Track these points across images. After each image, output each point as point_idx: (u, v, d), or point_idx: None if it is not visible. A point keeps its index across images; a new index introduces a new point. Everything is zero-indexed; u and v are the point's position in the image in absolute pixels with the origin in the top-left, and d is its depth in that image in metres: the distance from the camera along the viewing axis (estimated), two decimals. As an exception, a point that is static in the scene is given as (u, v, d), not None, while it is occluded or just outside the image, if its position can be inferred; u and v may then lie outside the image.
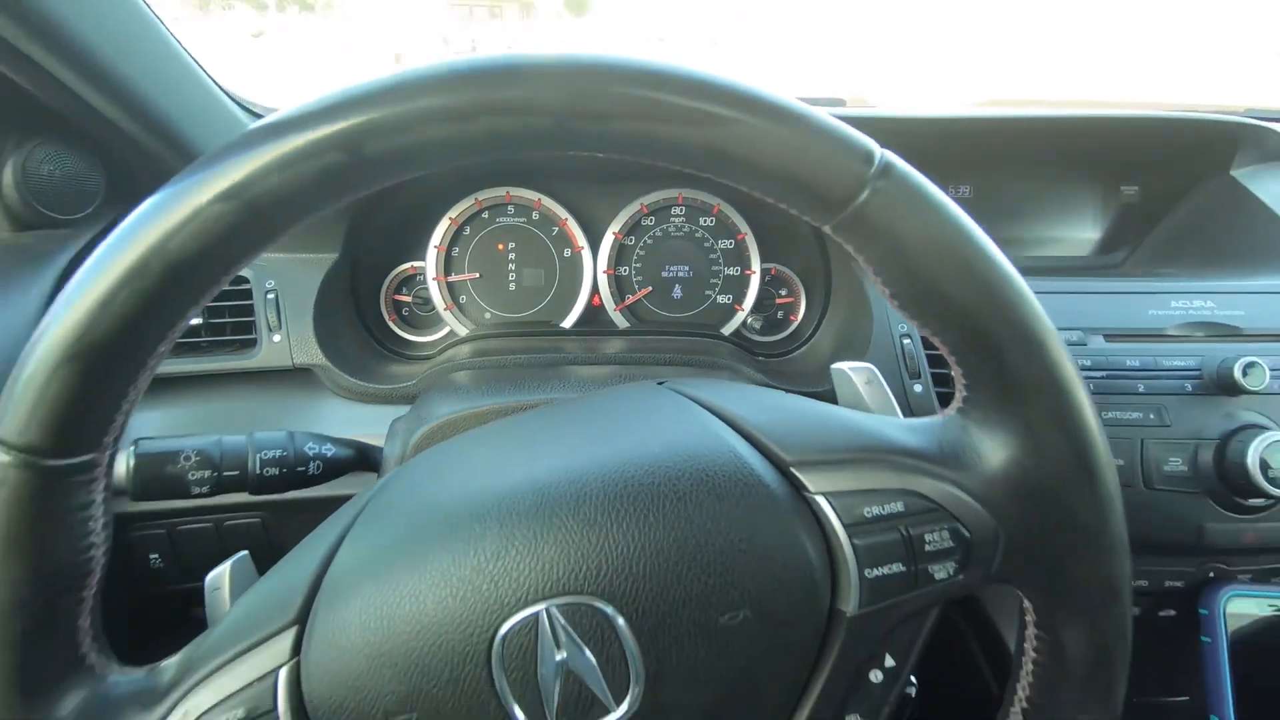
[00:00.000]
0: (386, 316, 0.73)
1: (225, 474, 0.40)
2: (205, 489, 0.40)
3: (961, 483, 0.29)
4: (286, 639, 0.27)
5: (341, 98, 0.25)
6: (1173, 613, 0.59)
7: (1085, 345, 0.59)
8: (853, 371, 0.36)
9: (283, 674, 0.27)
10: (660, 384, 0.37)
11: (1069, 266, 0.88)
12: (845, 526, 0.29)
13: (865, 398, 0.35)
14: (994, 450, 0.29)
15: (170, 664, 0.29)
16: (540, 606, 0.26)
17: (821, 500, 0.29)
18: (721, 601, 0.27)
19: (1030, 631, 0.31)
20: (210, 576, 0.34)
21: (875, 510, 0.29)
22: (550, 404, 0.39)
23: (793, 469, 0.30)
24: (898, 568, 0.28)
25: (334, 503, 0.35)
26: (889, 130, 0.82)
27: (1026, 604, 0.31)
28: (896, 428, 0.31)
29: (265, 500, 0.52)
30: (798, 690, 0.29)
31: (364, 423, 0.61)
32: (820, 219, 0.27)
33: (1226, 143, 0.79)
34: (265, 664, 0.27)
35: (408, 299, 0.74)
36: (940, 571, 0.29)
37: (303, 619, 0.28)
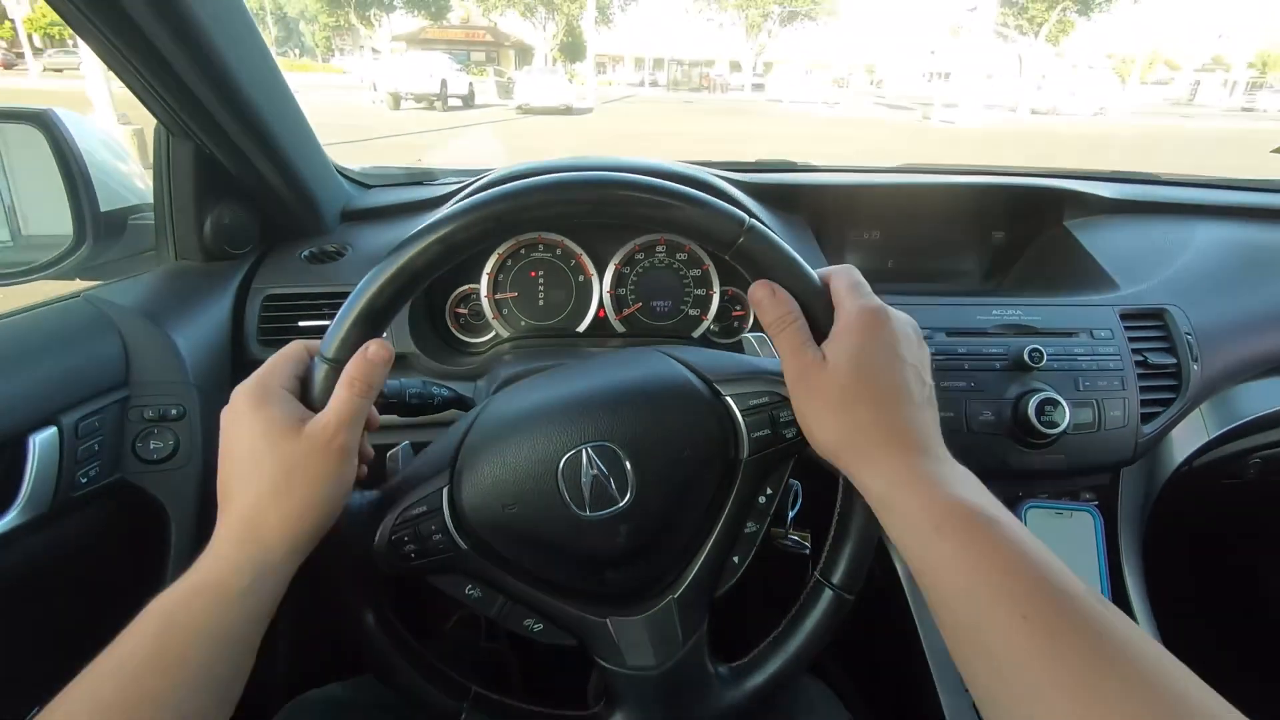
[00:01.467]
0: (450, 324, 1.01)
1: (389, 399, 0.66)
2: (378, 405, 0.65)
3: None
4: (446, 474, 0.51)
5: (492, 195, 0.51)
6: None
7: (932, 339, 0.85)
8: (754, 337, 0.63)
9: (445, 489, 0.51)
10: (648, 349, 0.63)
11: (962, 291, 1.16)
12: (740, 411, 0.52)
13: (758, 351, 0.62)
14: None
15: (385, 486, 0.53)
16: (581, 447, 0.50)
17: (729, 398, 0.53)
18: (676, 447, 0.51)
19: (842, 477, 0.55)
20: (390, 453, 0.60)
21: (755, 401, 0.52)
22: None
23: (715, 384, 0.53)
24: (767, 431, 0.52)
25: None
26: (815, 192, 1.10)
27: None
28: (770, 362, 0.56)
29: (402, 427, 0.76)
30: (718, 505, 0.53)
31: (442, 393, 0.87)
32: (723, 252, 0.52)
33: (1055, 202, 1.08)
34: (436, 484, 0.51)
35: (465, 311, 1.01)
36: (788, 432, 0.53)
37: (453, 464, 0.51)
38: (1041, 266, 1.08)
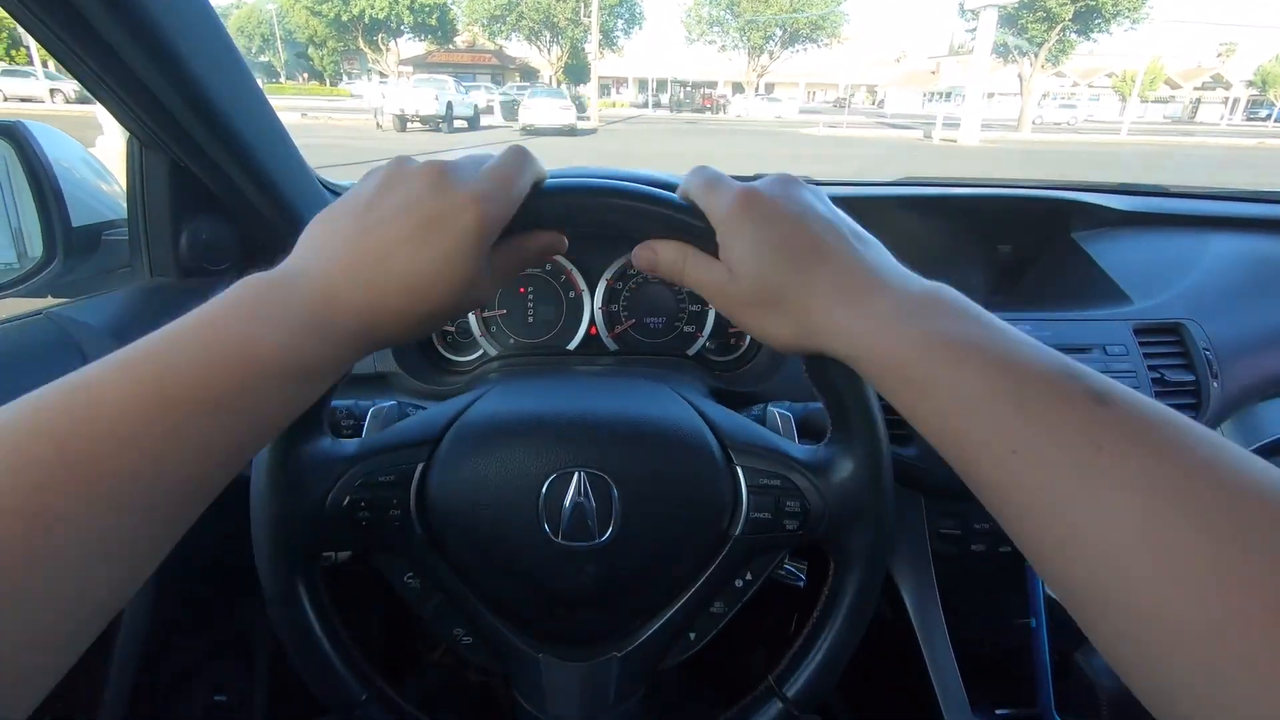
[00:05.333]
0: (435, 341, 0.97)
1: (360, 422, 0.62)
2: (348, 432, 0.62)
3: (815, 482, 0.48)
4: (426, 450, 0.47)
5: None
6: (1009, 549, 0.81)
7: (937, 356, 0.82)
8: (778, 411, 0.58)
9: (420, 465, 0.47)
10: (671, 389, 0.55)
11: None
12: (747, 485, 0.48)
13: (780, 428, 0.56)
14: (837, 470, 0.47)
15: (354, 442, 0.48)
16: (576, 469, 0.46)
17: (740, 469, 0.48)
18: (670, 500, 0.47)
19: (829, 581, 0.50)
20: (374, 408, 0.56)
21: (765, 481, 0.48)
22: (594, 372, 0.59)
23: (730, 449, 0.49)
24: (767, 515, 0.48)
25: None
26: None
27: (831, 563, 0.50)
28: (792, 446, 0.50)
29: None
30: (693, 575, 0.49)
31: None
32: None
33: (1062, 214, 1.04)
34: (411, 458, 0.47)
35: (451, 328, 0.97)
36: (790, 524, 0.48)
37: (438, 440, 0.48)
38: (1050, 280, 1.05)
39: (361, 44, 33.27)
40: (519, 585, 0.48)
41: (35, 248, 0.91)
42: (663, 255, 0.42)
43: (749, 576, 0.50)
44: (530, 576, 0.47)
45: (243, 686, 0.94)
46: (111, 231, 0.87)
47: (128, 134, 0.76)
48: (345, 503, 0.45)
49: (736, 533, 0.48)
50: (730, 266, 0.39)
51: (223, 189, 0.82)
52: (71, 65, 0.63)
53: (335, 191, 1.06)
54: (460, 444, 0.47)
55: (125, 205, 0.93)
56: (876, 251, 0.39)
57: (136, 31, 0.59)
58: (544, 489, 0.46)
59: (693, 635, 0.50)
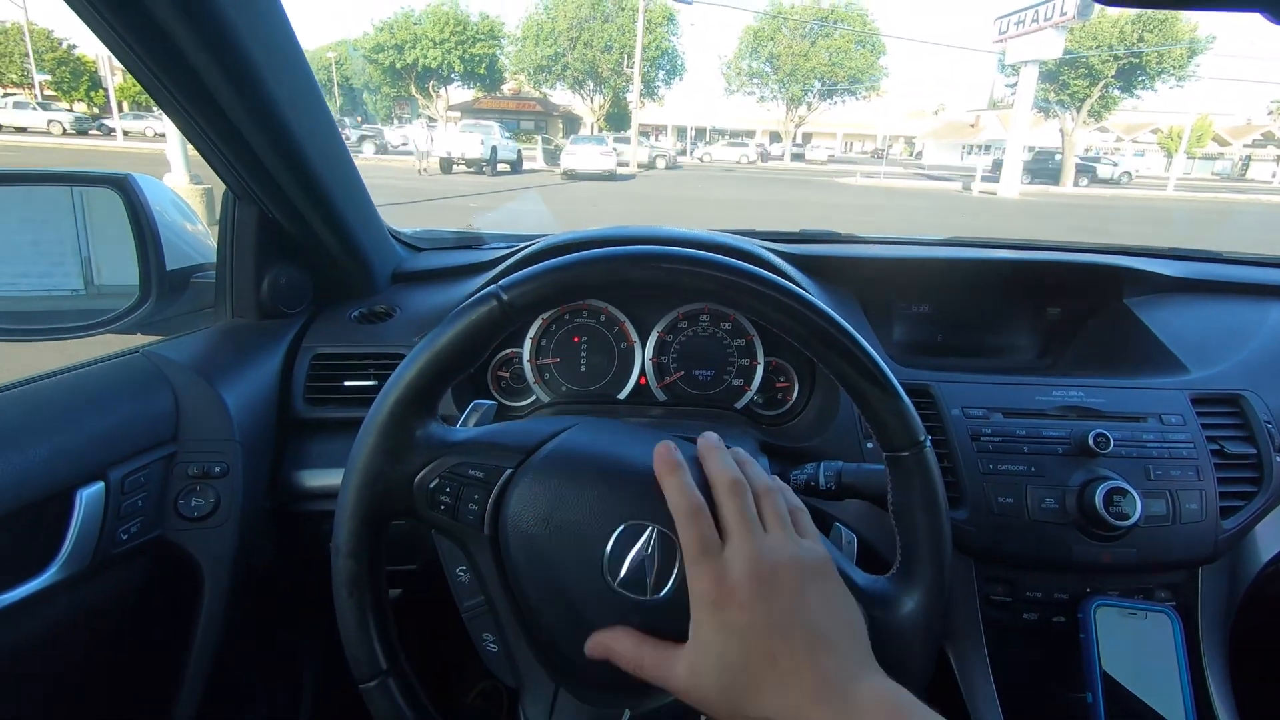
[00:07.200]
0: (491, 387, 1.01)
1: None
2: None
3: (868, 612, 0.47)
4: (519, 455, 0.49)
5: (545, 267, 0.51)
6: (1063, 619, 0.79)
7: (988, 419, 0.81)
8: (845, 532, 0.56)
9: (509, 471, 0.49)
10: None
11: (1016, 368, 1.12)
12: None
13: (841, 545, 0.55)
14: (895, 607, 0.49)
15: (460, 431, 0.51)
16: (652, 525, 0.47)
17: None
18: None
19: None
20: (475, 403, 0.59)
21: None
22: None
23: None
24: None
25: None
26: (860, 264, 1.08)
27: None
28: (856, 570, 0.51)
29: None
30: None
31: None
32: (886, 449, 0.50)
33: (1114, 279, 1.04)
34: (503, 461, 0.49)
35: (506, 375, 1.01)
36: None
37: (530, 452, 0.50)
38: (1101, 344, 1.04)
39: (414, 90, 34.77)
40: (561, 615, 0.49)
41: (104, 277, 0.99)
42: (618, 649, 0.46)
43: None
44: (574, 610, 0.48)
45: (289, 712, 0.96)
46: (199, 275, 0.93)
47: (223, 188, 0.82)
48: (433, 484, 0.48)
49: None
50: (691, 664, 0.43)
51: (304, 238, 0.87)
52: (187, 129, 0.70)
53: (400, 240, 1.11)
54: (552, 464, 0.49)
55: (207, 245, 1.00)
56: (841, 658, 0.41)
57: (249, 99, 0.65)
58: (616, 533, 0.47)
59: (703, 718, 0.49)
